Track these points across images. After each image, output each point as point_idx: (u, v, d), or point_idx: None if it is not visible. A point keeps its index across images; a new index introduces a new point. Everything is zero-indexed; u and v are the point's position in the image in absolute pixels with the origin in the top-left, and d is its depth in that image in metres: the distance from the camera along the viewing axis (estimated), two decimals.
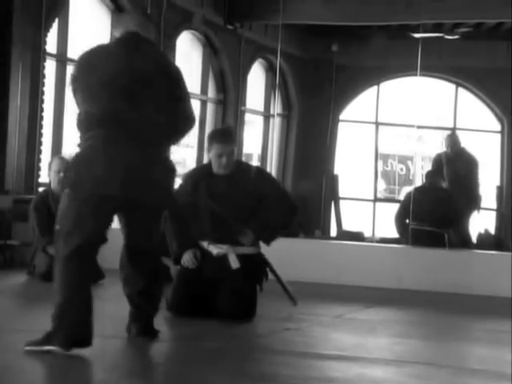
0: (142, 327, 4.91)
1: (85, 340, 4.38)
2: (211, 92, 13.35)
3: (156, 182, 4.72)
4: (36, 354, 4.32)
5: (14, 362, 4.25)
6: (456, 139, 11.92)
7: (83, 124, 4.64)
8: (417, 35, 13.40)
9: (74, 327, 4.38)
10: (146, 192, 4.68)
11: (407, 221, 10.61)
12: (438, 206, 10.42)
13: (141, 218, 4.79)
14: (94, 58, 4.76)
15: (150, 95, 4.68)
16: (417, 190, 11.24)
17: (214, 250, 6.07)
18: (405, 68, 14.25)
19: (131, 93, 4.63)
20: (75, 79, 4.69)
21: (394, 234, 11.47)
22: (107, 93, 4.61)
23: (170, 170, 4.87)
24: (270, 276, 6.26)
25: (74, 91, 4.68)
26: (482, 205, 12.55)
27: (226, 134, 6.22)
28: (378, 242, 12.35)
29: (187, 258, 6.08)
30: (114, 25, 5.04)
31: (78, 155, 4.66)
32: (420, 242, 10.11)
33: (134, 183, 4.60)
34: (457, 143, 11.81)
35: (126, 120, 4.60)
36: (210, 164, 6.18)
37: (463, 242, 11.09)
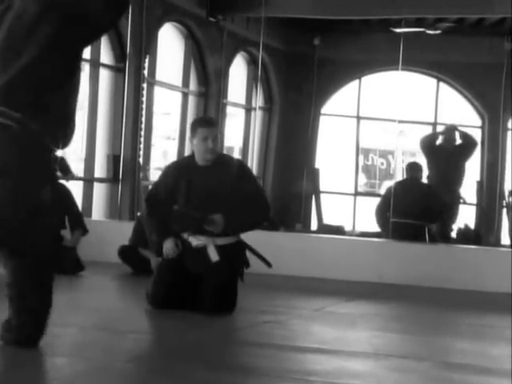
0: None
1: None
2: (193, 85, 13.32)
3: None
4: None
5: None
6: (454, 133, 12.07)
7: None
8: (399, 30, 13.43)
9: None
10: None
11: (388, 214, 10.64)
12: (419, 199, 10.46)
13: None
14: None
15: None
16: (399, 183, 11.27)
17: (194, 241, 6.07)
18: (387, 62, 14.28)
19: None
20: None
21: (375, 228, 11.51)
22: None
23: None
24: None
25: None
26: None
27: (210, 119, 6.28)
28: (358, 235, 12.39)
29: (168, 247, 6.06)
30: None
31: None
32: (400, 236, 10.15)
33: None
34: (455, 137, 11.94)
35: None
36: (192, 155, 6.16)
37: (443, 235, 11.16)
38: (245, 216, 6.05)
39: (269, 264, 6.19)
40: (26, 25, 3.91)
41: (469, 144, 12.44)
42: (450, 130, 12.44)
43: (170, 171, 6.27)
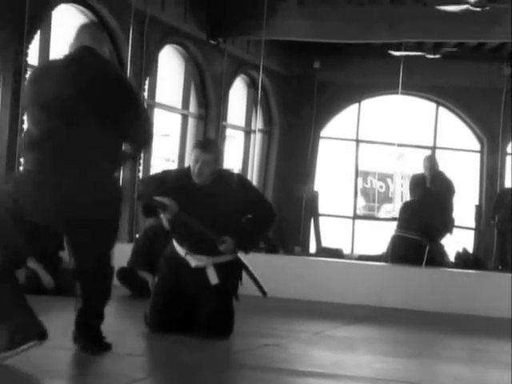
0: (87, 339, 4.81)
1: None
2: (193, 107, 13.34)
3: (96, 202, 4.58)
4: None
5: None
6: (434, 161, 11.92)
7: (25, 144, 4.60)
8: (398, 53, 13.48)
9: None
10: (85, 214, 4.56)
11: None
12: (424, 217, 10.54)
13: (88, 242, 4.67)
14: (42, 75, 4.66)
15: (95, 115, 4.54)
16: (406, 203, 11.40)
17: (193, 261, 6.02)
18: (386, 86, 14.33)
19: (72, 114, 4.51)
20: (24, 95, 4.65)
21: (373, 251, 11.50)
22: (46, 114, 4.51)
23: (114, 189, 4.76)
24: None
25: (23, 108, 4.65)
26: (461, 224, 12.63)
27: (208, 143, 6.25)
28: (356, 259, 12.38)
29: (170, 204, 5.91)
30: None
31: (15, 179, 4.69)
32: (400, 249, 10.22)
33: (68, 207, 4.51)
34: (435, 165, 11.80)
35: (62, 143, 4.49)
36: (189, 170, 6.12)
37: (441, 258, 11.16)
38: (253, 228, 6.06)
39: (264, 293, 6.18)
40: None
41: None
42: (428, 158, 12.35)
43: (170, 178, 6.17)
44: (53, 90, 4.52)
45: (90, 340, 4.76)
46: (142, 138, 4.81)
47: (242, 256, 6.13)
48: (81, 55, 4.66)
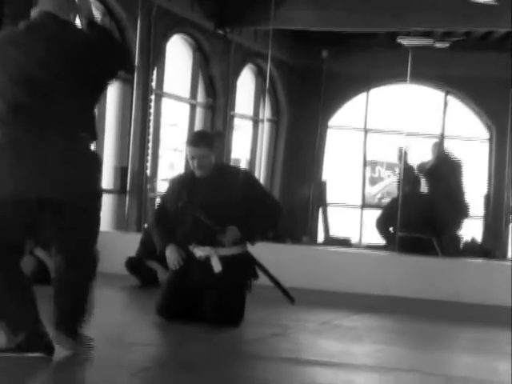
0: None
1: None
2: (200, 96, 13.35)
3: (76, 177, 4.29)
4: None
5: None
6: (442, 147, 11.96)
7: None
8: (406, 43, 13.45)
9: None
10: (64, 189, 4.26)
11: (390, 228, 10.66)
12: (421, 212, 10.49)
13: (70, 222, 4.36)
14: (2, 46, 4.38)
15: (63, 84, 4.27)
16: (400, 197, 11.32)
17: (198, 252, 6.10)
18: (394, 75, 14.29)
19: (40, 85, 4.25)
20: None
21: (381, 241, 11.50)
22: (13, 87, 4.25)
23: (93, 161, 4.44)
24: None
25: None
26: (470, 213, 12.61)
27: (199, 138, 6.28)
28: (364, 248, 12.39)
29: (170, 255, 6.09)
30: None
31: None
32: (409, 250, 10.16)
33: (46, 182, 4.22)
34: (443, 151, 11.84)
35: (34, 116, 4.23)
36: None
37: (453, 248, 11.14)
38: (258, 220, 6.10)
39: (291, 299, 6.28)
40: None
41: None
42: (436, 144, 12.41)
43: (174, 184, 6.38)
44: (19, 59, 4.28)
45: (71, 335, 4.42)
46: (122, 62, 4.59)
47: (256, 257, 6.20)
48: (45, 21, 4.35)
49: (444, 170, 11.75)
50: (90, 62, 4.34)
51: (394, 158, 15.06)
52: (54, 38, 4.31)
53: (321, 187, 15.11)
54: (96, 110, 4.53)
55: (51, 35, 4.32)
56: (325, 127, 15.22)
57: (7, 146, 4.24)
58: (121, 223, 11.44)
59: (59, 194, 4.27)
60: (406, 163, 12.41)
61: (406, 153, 12.44)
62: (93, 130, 4.43)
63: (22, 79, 4.26)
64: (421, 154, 13.75)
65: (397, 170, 14.14)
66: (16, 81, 4.27)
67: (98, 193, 4.48)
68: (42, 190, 4.23)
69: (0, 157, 4.25)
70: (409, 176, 11.84)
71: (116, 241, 9.49)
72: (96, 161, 4.50)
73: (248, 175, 6.47)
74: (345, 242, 12.98)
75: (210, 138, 6.30)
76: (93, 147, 4.61)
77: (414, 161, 13.03)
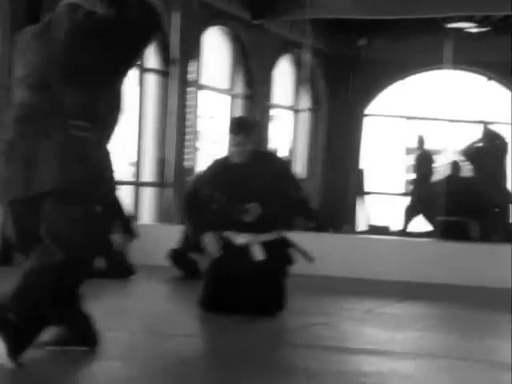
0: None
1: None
2: (239, 87, 13.36)
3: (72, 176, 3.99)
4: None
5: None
6: (493, 132, 11.95)
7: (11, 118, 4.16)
8: (446, 27, 13.33)
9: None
10: (56, 183, 3.97)
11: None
12: (463, 196, 10.45)
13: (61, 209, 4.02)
14: (22, 43, 4.25)
15: (87, 73, 4.08)
16: (442, 181, 11.29)
17: (237, 239, 6.08)
18: (434, 61, 14.19)
19: (48, 84, 4.07)
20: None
21: (422, 228, 11.44)
22: (23, 86, 4.13)
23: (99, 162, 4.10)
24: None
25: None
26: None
27: (237, 125, 6.26)
28: (405, 235, 12.34)
29: (210, 247, 6.07)
30: None
31: None
32: (447, 235, 10.14)
33: (37, 178, 3.98)
34: (494, 137, 11.81)
35: (37, 114, 4.06)
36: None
37: (496, 232, 11.06)
38: (282, 207, 6.08)
39: (310, 258, 6.23)
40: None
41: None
42: (487, 129, 12.37)
43: (207, 170, 6.38)
44: (31, 59, 4.15)
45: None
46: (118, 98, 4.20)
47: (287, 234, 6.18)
48: (63, 13, 4.17)
49: (491, 152, 11.70)
50: (114, 44, 4.10)
51: (434, 145, 14.98)
52: (73, 28, 4.12)
53: (359, 175, 15.06)
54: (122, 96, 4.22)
55: (73, 26, 4.13)
56: (364, 115, 15.17)
57: (4, 147, 4.10)
58: (163, 215, 11.50)
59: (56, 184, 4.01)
60: (423, 149, 12.49)
61: (423, 140, 12.55)
62: (118, 108, 4.18)
63: (30, 79, 4.13)
64: (461, 139, 13.65)
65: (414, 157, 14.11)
66: (24, 81, 4.14)
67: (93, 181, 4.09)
68: (29, 187, 4.02)
69: (8, 156, 4.10)
70: (423, 162, 11.95)
71: (159, 233, 9.53)
72: (102, 162, 4.14)
73: (284, 164, 6.46)
74: (384, 230, 12.93)
75: (247, 125, 6.30)
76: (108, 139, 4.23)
77: (456, 146, 12.96)
